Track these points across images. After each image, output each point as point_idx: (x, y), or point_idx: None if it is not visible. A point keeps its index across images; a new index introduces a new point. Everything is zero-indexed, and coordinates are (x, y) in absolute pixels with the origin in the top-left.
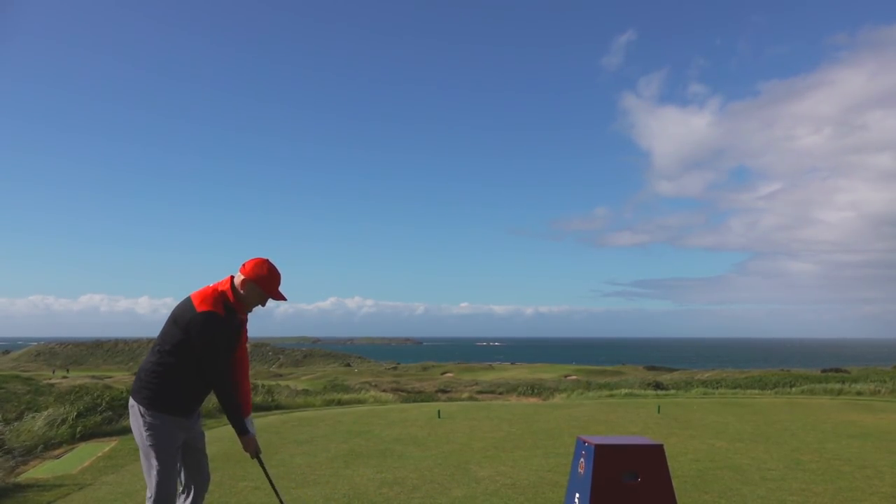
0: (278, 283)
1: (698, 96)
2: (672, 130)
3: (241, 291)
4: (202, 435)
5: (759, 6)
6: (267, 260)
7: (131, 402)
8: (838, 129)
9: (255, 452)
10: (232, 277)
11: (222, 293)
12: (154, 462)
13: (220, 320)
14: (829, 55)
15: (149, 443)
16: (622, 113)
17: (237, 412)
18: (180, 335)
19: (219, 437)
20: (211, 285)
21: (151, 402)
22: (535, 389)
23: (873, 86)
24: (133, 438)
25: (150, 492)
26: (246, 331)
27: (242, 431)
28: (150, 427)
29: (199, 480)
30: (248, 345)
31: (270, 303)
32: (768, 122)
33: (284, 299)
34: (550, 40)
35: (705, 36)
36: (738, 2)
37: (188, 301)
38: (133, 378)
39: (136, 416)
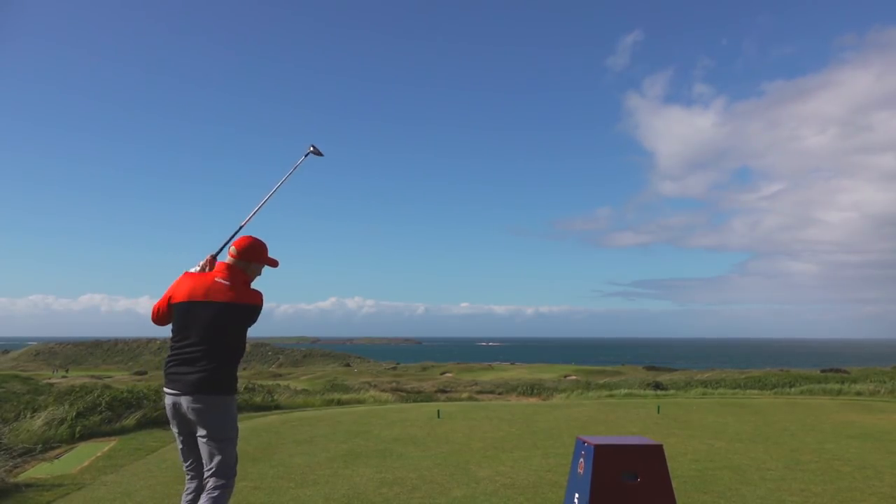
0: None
1: (703, 96)
2: (676, 131)
3: (247, 274)
4: (203, 423)
5: (765, 6)
6: (250, 237)
7: (215, 398)
8: (844, 130)
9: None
10: (228, 265)
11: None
12: (236, 451)
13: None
14: (836, 56)
15: (237, 431)
16: (627, 113)
17: None
18: (245, 323)
19: None
20: (223, 276)
21: (233, 389)
22: (534, 389)
23: (880, 87)
24: (133, 438)
25: (230, 482)
26: None
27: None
28: (235, 415)
29: (206, 470)
30: (247, 344)
31: (271, 302)
32: (773, 123)
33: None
34: (557, 41)
35: (711, 36)
36: (744, 2)
37: (228, 287)
38: (133, 378)
39: (224, 407)
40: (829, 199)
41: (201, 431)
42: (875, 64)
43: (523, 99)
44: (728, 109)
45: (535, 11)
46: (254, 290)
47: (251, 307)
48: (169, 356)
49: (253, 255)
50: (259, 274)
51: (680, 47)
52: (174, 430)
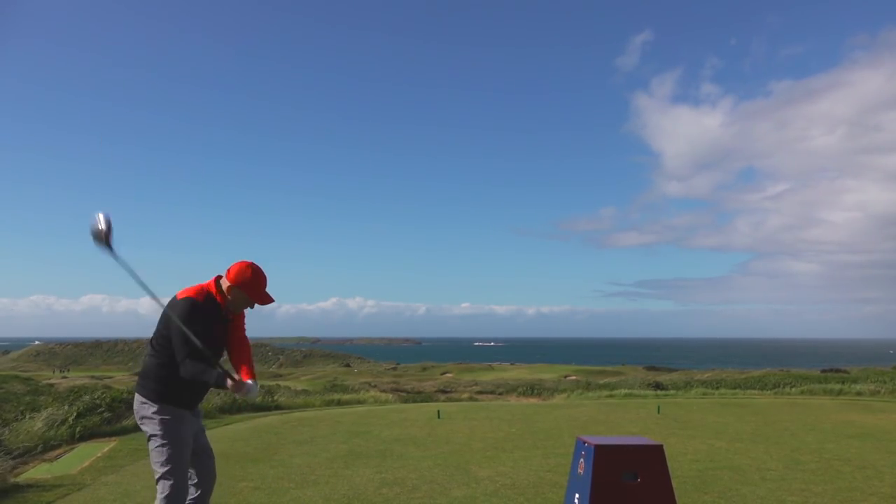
0: (263, 287)
1: (711, 96)
2: (683, 131)
3: (228, 297)
4: (203, 430)
5: (775, 6)
6: (251, 264)
7: (137, 398)
8: (852, 130)
9: (245, 392)
10: (218, 278)
11: (204, 287)
12: (165, 456)
13: (196, 305)
14: (847, 56)
15: (160, 436)
16: (635, 113)
17: (215, 377)
18: (163, 328)
19: (219, 437)
20: (195, 285)
21: (159, 396)
22: (534, 390)
23: (891, 87)
24: (133, 438)
25: (161, 487)
26: (243, 319)
27: (223, 383)
28: (160, 421)
29: (206, 477)
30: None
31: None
32: (781, 123)
33: (272, 301)
34: (568, 41)
35: (720, 36)
36: (754, 1)
37: (173, 296)
38: (133, 379)
39: (143, 411)
40: (833, 199)
41: (204, 440)
42: (887, 64)
43: (531, 99)
44: (736, 109)
45: (544, 11)
46: (186, 291)
47: (169, 306)
48: (184, 380)
49: (236, 278)
50: (243, 303)
51: (689, 47)
52: (186, 448)
